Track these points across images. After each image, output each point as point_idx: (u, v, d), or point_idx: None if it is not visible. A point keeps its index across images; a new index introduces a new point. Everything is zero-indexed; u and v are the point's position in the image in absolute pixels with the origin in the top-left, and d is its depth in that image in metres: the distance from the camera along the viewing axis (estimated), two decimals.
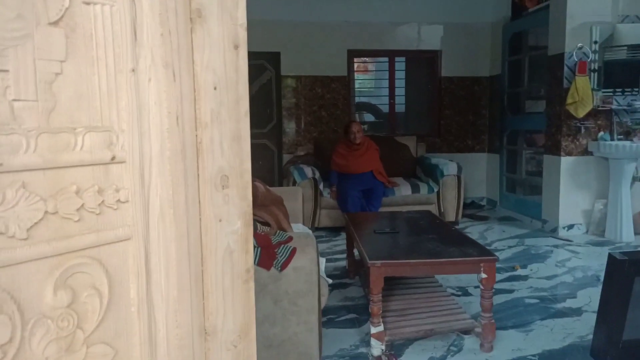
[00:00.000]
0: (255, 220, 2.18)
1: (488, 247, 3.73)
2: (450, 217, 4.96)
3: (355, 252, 3.24)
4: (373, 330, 2.28)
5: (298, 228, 2.68)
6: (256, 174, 1.88)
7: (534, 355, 2.30)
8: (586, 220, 4.63)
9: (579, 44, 4.37)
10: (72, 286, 0.59)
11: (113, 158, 0.62)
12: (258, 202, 2.27)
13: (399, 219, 3.38)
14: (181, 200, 0.66)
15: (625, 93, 4.36)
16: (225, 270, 0.73)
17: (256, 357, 0.78)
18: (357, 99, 6.31)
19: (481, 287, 2.31)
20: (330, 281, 2.36)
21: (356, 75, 6.30)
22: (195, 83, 0.68)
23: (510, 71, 5.71)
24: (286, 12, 5.61)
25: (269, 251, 1.85)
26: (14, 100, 0.53)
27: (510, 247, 4.29)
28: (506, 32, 5.67)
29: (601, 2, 4.41)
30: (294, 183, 4.67)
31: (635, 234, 4.36)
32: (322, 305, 2.10)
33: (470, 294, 3.07)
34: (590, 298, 2.99)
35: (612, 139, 4.43)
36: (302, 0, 5.65)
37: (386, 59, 6.14)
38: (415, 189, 4.94)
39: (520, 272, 3.56)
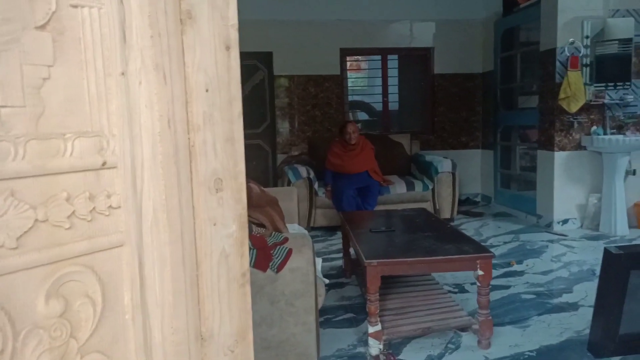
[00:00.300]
0: (250, 222, 2.17)
1: (484, 244, 3.74)
2: (446, 214, 4.97)
3: (352, 251, 3.23)
4: (370, 329, 2.27)
5: (294, 228, 2.67)
6: (250, 174, 1.87)
7: (531, 351, 2.30)
8: (581, 215, 4.66)
9: (571, 39, 4.38)
10: (65, 295, 0.58)
11: (104, 163, 0.61)
12: (253, 203, 2.26)
13: (394, 217, 3.38)
14: (174, 204, 0.65)
15: (617, 87, 4.38)
16: (221, 274, 0.72)
17: None
18: (350, 98, 6.31)
19: (478, 284, 2.31)
20: (327, 281, 2.35)
21: (349, 73, 6.30)
22: (187, 85, 0.66)
23: (503, 67, 5.73)
24: (278, 12, 5.59)
25: (265, 253, 1.84)
26: (1, 106, 0.52)
27: (505, 242, 4.30)
28: (498, 28, 5.69)
29: None
30: (289, 183, 4.65)
31: (630, 227, 4.38)
32: (320, 306, 2.10)
33: (466, 291, 3.08)
34: (587, 292, 3.00)
35: (605, 133, 4.46)
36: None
37: (379, 57, 6.14)
38: (410, 186, 4.94)
39: (516, 267, 3.57)
